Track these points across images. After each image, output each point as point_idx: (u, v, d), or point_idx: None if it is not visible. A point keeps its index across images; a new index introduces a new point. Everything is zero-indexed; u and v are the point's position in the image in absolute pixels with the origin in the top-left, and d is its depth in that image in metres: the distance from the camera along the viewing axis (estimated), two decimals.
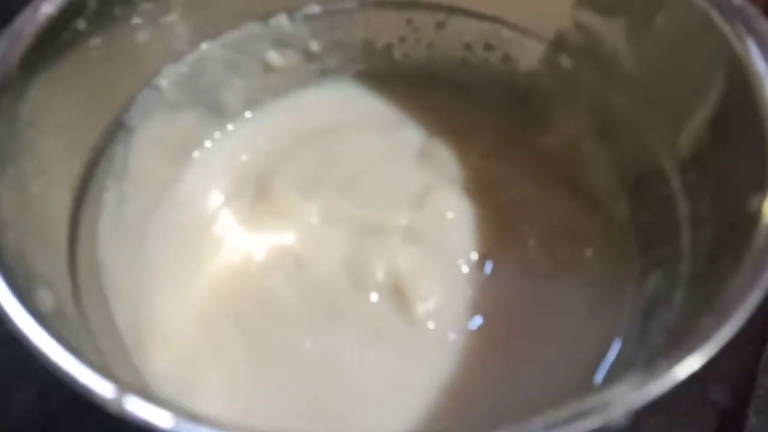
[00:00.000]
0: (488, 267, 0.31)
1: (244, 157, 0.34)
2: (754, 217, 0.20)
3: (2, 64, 0.23)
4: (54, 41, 0.24)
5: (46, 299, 0.20)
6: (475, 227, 0.32)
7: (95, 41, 0.27)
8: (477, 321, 0.30)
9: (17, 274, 0.19)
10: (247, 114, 0.35)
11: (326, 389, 0.28)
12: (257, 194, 0.33)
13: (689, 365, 0.18)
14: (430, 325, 0.29)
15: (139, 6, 0.28)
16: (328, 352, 0.29)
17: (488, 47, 0.34)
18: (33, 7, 0.24)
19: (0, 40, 0.23)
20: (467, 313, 0.30)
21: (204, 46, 0.31)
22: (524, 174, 0.33)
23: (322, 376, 0.28)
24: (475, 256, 0.31)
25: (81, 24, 0.25)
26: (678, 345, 0.18)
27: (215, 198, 0.33)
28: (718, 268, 0.21)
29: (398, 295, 0.30)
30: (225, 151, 0.34)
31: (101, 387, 0.18)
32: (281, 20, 0.32)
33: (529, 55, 0.33)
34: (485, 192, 0.33)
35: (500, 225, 0.32)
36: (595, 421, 0.16)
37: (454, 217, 0.32)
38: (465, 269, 0.31)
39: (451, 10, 0.34)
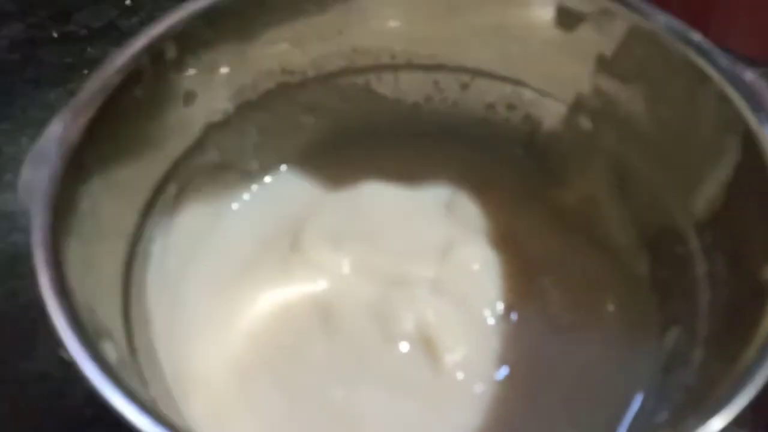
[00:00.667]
0: (513, 318, 0.32)
1: (278, 210, 0.36)
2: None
3: (67, 132, 0.25)
4: (115, 108, 0.26)
5: (110, 351, 0.22)
6: (500, 279, 0.33)
7: (149, 105, 0.29)
8: (503, 372, 0.31)
9: (88, 329, 0.21)
10: (282, 167, 0.37)
11: None
12: (290, 246, 0.34)
13: (713, 426, 0.19)
14: (459, 375, 0.31)
15: (190, 70, 0.30)
16: (358, 402, 0.30)
17: (510, 107, 0.36)
18: (99, 76, 0.26)
19: (66, 109, 0.25)
20: (494, 364, 0.31)
21: (244, 108, 0.33)
22: (546, 228, 0.35)
23: (350, 426, 0.30)
24: (500, 307, 0.33)
25: (139, 91, 0.27)
26: (701, 406, 0.19)
27: (251, 249, 0.34)
28: (736, 331, 0.22)
29: (426, 346, 0.31)
30: (261, 204, 0.36)
31: None
32: (314, 86, 0.34)
33: (549, 115, 0.35)
34: (508, 245, 0.34)
35: (524, 277, 0.33)
36: None
37: (479, 268, 0.34)
38: (491, 321, 0.32)
39: (476, 73, 0.35)
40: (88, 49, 0.48)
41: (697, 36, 0.28)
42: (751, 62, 0.45)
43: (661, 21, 0.29)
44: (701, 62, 0.28)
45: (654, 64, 0.30)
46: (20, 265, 0.38)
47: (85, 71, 0.46)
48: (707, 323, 0.26)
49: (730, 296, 0.25)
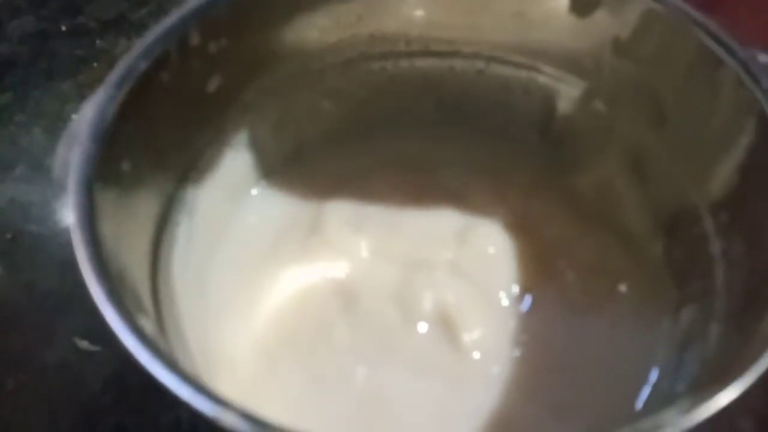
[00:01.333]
0: (528, 301, 0.33)
1: (297, 194, 0.36)
2: None
3: (99, 115, 0.25)
4: (143, 92, 0.27)
5: (147, 325, 0.22)
6: (515, 262, 0.34)
7: (175, 90, 0.29)
8: (519, 352, 0.31)
9: (126, 303, 0.22)
10: (301, 153, 0.37)
11: (377, 418, 0.30)
12: (310, 229, 0.35)
13: (731, 392, 0.20)
14: (476, 355, 0.31)
15: (212, 56, 0.31)
16: (380, 382, 0.31)
17: (526, 92, 0.36)
18: (126, 61, 0.27)
19: (97, 93, 0.26)
20: (510, 344, 0.32)
21: (265, 93, 0.34)
22: (561, 212, 0.35)
23: (373, 406, 0.30)
24: (516, 289, 0.33)
25: (165, 76, 0.28)
26: (720, 374, 0.20)
27: (272, 233, 0.35)
28: (753, 307, 0.23)
29: (445, 325, 0.32)
30: (281, 189, 0.36)
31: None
32: (335, 72, 0.35)
33: (565, 100, 0.35)
34: (524, 229, 0.35)
35: (539, 261, 0.34)
36: None
37: (495, 252, 0.34)
38: (506, 302, 0.33)
39: (491, 59, 0.36)
40: (98, 41, 0.48)
41: (710, 20, 0.29)
42: (765, 48, 0.46)
43: (675, 5, 0.29)
44: (715, 47, 0.28)
45: (668, 48, 0.30)
46: (37, 255, 0.39)
47: (96, 63, 0.47)
48: (724, 301, 0.26)
49: (747, 273, 0.26)
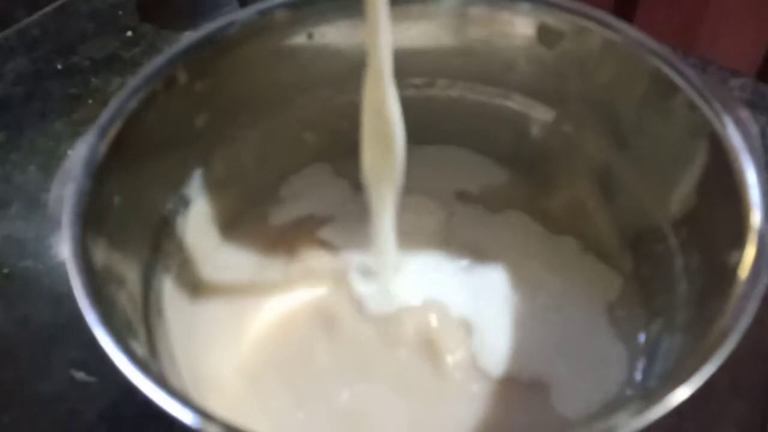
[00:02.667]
0: (508, 317, 0.34)
1: (279, 221, 0.38)
2: (734, 270, 0.24)
3: (91, 152, 0.27)
4: (133, 129, 0.29)
5: (138, 347, 0.24)
6: (493, 283, 0.36)
7: (163, 126, 0.31)
8: (498, 370, 0.33)
9: (119, 328, 0.23)
10: (283, 182, 0.39)
11: None
12: (289, 255, 0.37)
13: (679, 396, 0.21)
14: (457, 375, 0.33)
15: (197, 95, 0.32)
16: (363, 403, 0.32)
17: (499, 119, 0.38)
18: (117, 101, 0.28)
19: (90, 131, 0.27)
20: (490, 363, 0.33)
21: (248, 126, 0.36)
22: (539, 229, 0.37)
23: (357, 427, 0.31)
24: (512, 302, 0.35)
25: (153, 114, 0.30)
26: (670, 380, 0.21)
27: (254, 261, 0.36)
28: (706, 316, 0.24)
29: (428, 349, 0.33)
30: (263, 217, 0.38)
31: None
32: (315, 105, 0.37)
33: (536, 125, 0.37)
34: (506, 245, 0.37)
35: (515, 277, 0.36)
36: None
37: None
38: (487, 321, 0.34)
39: (465, 88, 0.38)
40: (92, 79, 0.50)
41: (665, 49, 0.31)
42: (734, 72, 0.48)
43: (633, 36, 0.31)
44: (670, 73, 0.30)
45: (626, 75, 0.32)
46: (31, 289, 0.40)
47: (90, 101, 0.48)
48: (685, 312, 0.28)
49: (704, 285, 0.27)
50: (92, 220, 0.26)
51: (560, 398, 0.32)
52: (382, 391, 0.32)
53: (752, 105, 0.47)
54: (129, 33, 0.53)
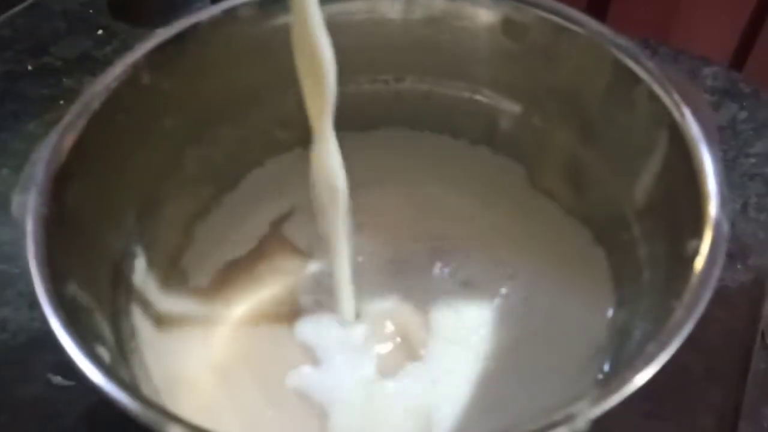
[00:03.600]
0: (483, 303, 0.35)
1: (248, 220, 0.38)
2: (692, 259, 0.24)
3: (53, 155, 0.27)
4: (96, 131, 0.28)
5: (103, 353, 0.24)
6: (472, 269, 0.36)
7: (127, 127, 0.31)
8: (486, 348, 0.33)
9: (83, 332, 0.23)
10: (252, 178, 0.39)
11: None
12: (260, 253, 0.37)
13: (635, 383, 0.22)
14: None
15: (163, 93, 0.32)
16: (337, 391, 0.32)
17: (469, 112, 0.38)
18: (79, 103, 0.28)
19: (51, 134, 0.27)
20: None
21: (218, 125, 0.36)
22: (513, 222, 0.37)
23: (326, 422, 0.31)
24: (482, 287, 0.35)
25: (117, 115, 0.30)
26: (628, 368, 0.22)
27: (222, 259, 0.37)
28: (666, 304, 0.24)
29: (405, 343, 0.34)
30: (231, 217, 0.38)
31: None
32: (286, 101, 0.37)
33: (506, 117, 0.37)
34: (480, 238, 0.37)
35: (493, 265, 0.36)
36: (562, 430, 0.20)
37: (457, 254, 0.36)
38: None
39: (434, 84, 0.38)
40: (65, 79, 0.49)
41: (627, 41, 0.31)
42: (706, 61, 0.49)
43: (595, 29, 0.32)
44: (632, 64, 0.30)
45: (592, 68, 0.32)
46: (7, 293, 0.39)
47: (63, 101, 0.48)
48: (648, 300, 0.28)
49: (665, 274, 0.28)
50: (55, 225, 0.26)
51: (531, 386, 0.32)
52: (355, 380, 0.33)
53: (724, 93, 0.47)
54: (101, 32, 0.52)
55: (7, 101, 0.48)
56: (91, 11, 0.54)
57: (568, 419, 0.20)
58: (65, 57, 0.51)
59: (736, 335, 0.38)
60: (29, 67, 0.51)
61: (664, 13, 0.64)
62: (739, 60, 0.66)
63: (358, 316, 0.35)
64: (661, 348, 0.22)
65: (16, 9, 0.54)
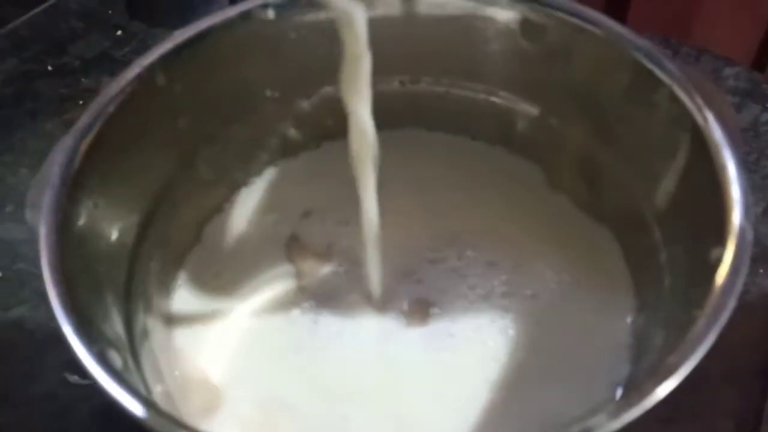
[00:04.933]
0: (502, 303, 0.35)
1: (265, 218, 0.38)
2: (715, 267, 0.24)
3: (68, 158, 0.27)
4: (111, 134, 0.28)
5: (115, 358, 0.24)
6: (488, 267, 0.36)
7: (142, 129, 0.31)
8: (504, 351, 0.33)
9: (94, 339, 0.23)
10: (264, 177, 0.38)
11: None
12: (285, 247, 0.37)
13: (656, 396, 0.21)
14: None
15: (178, 95, 0.32)
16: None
17: (485, 114, 0.38)
18: (94, 106, 0.28)
19: (66, 137, 0.27)
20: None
21: (231, 125, 0.35)
22: (530, 224, 0.37)
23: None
24: (500, 289, 0.35)
25: (131, 117, 0.30)
26: (648, 380, 0.21)
27: (238, 257, 0.36)
28: (688, 311, 0.24)
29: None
30: (242, 214, 0.37)
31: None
32: (300, 101, 0.36)
33: (522, 119, 0.37)
34: (494, 240, 0.37)
35: (514, 268, 0.36)
36: None
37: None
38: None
39: (451, 85, 0.38)
40: (83, 79, 0.49)
41: (646, 43, 0.30)
42: (728, 61, 0.48)
43: (615, 30, 0.31)
44: (651, 66, 0.30)
45: (611, 69, 0.32)
46: (25, 291, 0.40)
47: (81, 101, 0.48)
48: (668, 307, 0.28)
49: (686, 280, 0.27)
50: (69, 228, 0.26)
51: (548, 391, 0.31)
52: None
53: (746, 94, 0.47)
54: (119, 32, 0.52)
55: (25, 101, 0.49)
56: (109, 11, 0.54)
57: None
58: (83, 57, 0.51)
59: (755, 340, 0.37)
60: (48, 67, 0.51)
61: (685, 12, 0.63)
62: (761, 60, 0.65)
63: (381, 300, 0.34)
64: (683, 360, 0.21)
65: (35, 10, 0.54)
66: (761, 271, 0.39)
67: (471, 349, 0.33)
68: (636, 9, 0.64)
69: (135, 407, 0.21)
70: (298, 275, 0.36)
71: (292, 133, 0.38)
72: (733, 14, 0.62)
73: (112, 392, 0.21)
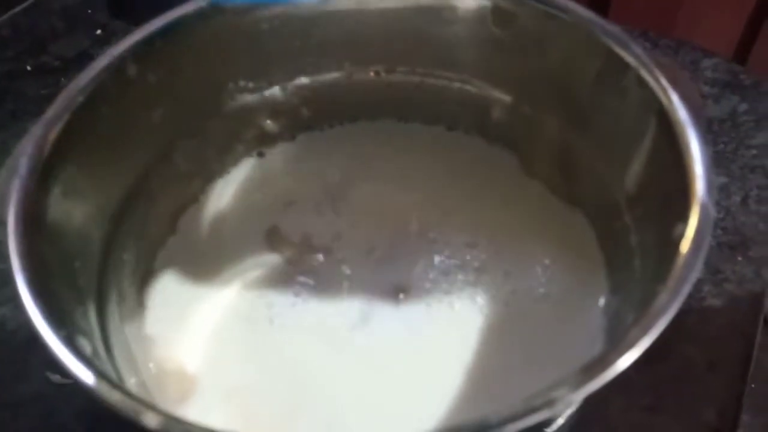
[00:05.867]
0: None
1: (249, 203, 0.38)
2: (677, 243, 0.24)
3: (36, 148, 0.27)
4: (81, 124, 0.28)
5: (84, 345, 0.24)
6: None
7: (114, 120, 0.31)
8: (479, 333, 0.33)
9: (62, 325, 0.23)
10: (239, 168, 0.38)
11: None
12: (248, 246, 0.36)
13: (617, 368, 0.21)
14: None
15: (151, 86, 0.32)
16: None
17: (460, 103, 0.38)
18: (64, 96, 0.28)
19: (35, 126, 0.27)
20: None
21: (207, 118, 0.36)
22: (505, 210, 0.37)
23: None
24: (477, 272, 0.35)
25: (103, 108, 0.30)
26: (611, 352, 0.21)
27: (215, 244, 0.36)
28: (653, 289, 0.24)
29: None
30: (216, 205, 0.37)
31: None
32: (275, 91, 0.37)
33: (496, 106, 0.37)
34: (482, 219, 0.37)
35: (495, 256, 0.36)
36: (543, 414, 0.20)
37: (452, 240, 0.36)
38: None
39: (425, 74, 0.38)
40: (63, 79, 0.49)
41: (615, 28, 0.30)
42: (707, 53, 0.48)
43: (584, 16, 0.31)
44: (620, 51, 0.30)
45: (582, 55, 0.32)
46: (6, 291, 0.40)
47: None
48: (639, 288, 0.28)
49: (655, 260, 0.27)
50: (38, 218, 0.26)
51: (522, 372, 0.32)
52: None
53: (724, 85, 0.47)
54: (99, 31, 0.52)
55: (5, 101, 0.48)
56: (89, 10, 0.54)
57: (548, 404, 0.20)
58: (64, 56, 0.51)
59: (737, 327, 0.38)
60: (28, 67, 0.51)
61: (668, 5, 0.63)
62: (742, 53, 0.65)
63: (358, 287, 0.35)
64: (644, 332, 0.21)
65: (15, 9, 0.54)
66: (740, 259, 0.39)
67: (446, 331, 0.33)
68: (618, 3, 0.64)
69: (102, 389, 0.21)
70: (276, 264, 0.36)
71: (268, 124, 0.38)
72: (714, 8, 0.63)
73: (79, 376, 0.21)
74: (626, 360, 0.21)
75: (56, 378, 0.35)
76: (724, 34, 0.65)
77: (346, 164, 0.39)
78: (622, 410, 0.34)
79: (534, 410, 0.20)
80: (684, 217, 0.24)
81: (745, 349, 0.37)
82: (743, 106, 0.46)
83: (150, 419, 0.20)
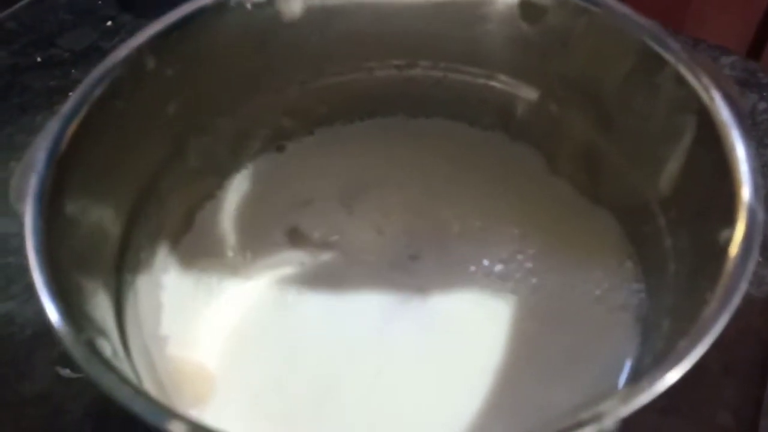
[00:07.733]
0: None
1: (260, 204, 0.37)
2: (724, 249, 0.23)
3: (53, 143, 0.26)
4: (98, 119, 0.28)
5: (104, 346, 0.23)
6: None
7: (130, 115, 0.30)
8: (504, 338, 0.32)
9: (82, 327, 0.22)
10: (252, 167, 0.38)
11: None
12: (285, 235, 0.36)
13: (667, 381, 0.20)
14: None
15: (168, 80, 0.31)
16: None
17: (483, 100, 0.37)
18: (81, 90, 0.27)
19: (52, 121, 0.26)
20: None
21: (223, 114, 0.35)
22: (529, 212, 0.36)
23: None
24: (501, 274, 0.34)
25: (119, 102, 0.29)
26: (659, 364, 0.21)
27: (226, 246, 0.36)
28: (696, 296, 0.23)
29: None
30: (230, 203, 0.37)
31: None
32: (293, 89, 0.36)
33: (521, 104, 0.36)
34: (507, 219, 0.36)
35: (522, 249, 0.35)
36: (590, 430, 0.19)
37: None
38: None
39: (448, 69, 0.37)
40: (72, 71, 0.49)
41: (650, 23, 0.29)
42: (724, 50, 0.47)
43: (617, 10, 0.30)
44: (656, 47, 0.29)
45: (614, 51, 0.31)
46: (14, 286, 0.39)
47: (70, 94, 0.47)
48: (673, 293, 0.27)
49: (692, 266, 0.26)
50: (55, 214, 0.25)
51: (550, 379, 0.31)
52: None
53: (742, 83, 0.47)
54: (108, 23, 0.52)
55: (14, 94, 0.48)
56: (99, 3, 0.53)
57: (596, 418, 0.19)
58: (72, 49, 0.51)
59: (754, 331, 0.37)
60: (36, 60, 0.50)
61: (677, 4, 0.62)
62: (754, 51, 0.64)
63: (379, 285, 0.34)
64: (695, 343, 0.20)
65: (22, 2, 0.53)
66: (760, 260, 0.39)
67: (470, 334, 0.32)
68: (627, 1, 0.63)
69: (125, 394, 0.20)
70: (295, 262, 0.35)
71: (285, 121, 0.37)
72: (725, 5, 0.62)
73: (101, 380, 0.21)
74: (677, 373, 0.20)
75: (66, 372, 0.35)
76: (735, 30, 0.64)
77: (365, 161, 0.38)
78: (636, 413, 0.34)
79: (580, 425, 0.19)
80: (730, 222, 0.24)
81: (762, 352, 0.36)
82: (762, 105, 0.46)
83: (176, 427, 0.19)
